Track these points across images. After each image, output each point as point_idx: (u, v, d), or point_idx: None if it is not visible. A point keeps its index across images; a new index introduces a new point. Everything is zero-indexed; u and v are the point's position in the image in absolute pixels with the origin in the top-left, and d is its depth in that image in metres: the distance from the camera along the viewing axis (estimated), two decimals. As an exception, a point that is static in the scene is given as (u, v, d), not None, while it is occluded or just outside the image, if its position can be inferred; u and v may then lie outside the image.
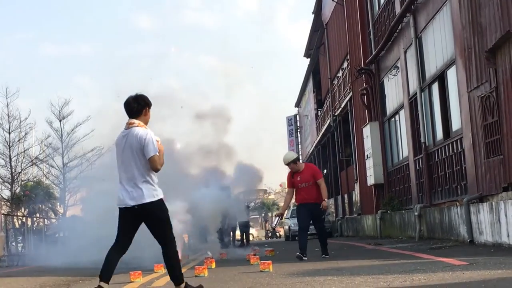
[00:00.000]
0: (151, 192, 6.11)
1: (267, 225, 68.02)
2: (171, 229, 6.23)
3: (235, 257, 13.35)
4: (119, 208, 6.20)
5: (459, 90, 12.20)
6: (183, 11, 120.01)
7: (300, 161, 12.45)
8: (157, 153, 6.09)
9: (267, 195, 67.60)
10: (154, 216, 6.16)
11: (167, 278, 9.46)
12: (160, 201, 6.17)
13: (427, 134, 14.98)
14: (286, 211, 12.01)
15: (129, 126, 6.21)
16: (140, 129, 6.14)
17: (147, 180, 6.11)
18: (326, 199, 11.29)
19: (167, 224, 6.20)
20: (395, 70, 17.66)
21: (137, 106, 6.23)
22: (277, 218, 11.71)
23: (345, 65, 27.04)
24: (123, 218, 6.20)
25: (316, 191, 11.18)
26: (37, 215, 30.21)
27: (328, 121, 31.57)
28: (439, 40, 13.72)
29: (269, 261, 8.98)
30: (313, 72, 39.85)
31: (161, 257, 6.30)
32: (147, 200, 6.06)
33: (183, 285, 6.19)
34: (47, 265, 15.23)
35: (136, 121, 6.21)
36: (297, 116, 53.02)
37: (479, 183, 11.23)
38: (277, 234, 49.10)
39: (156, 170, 6.14)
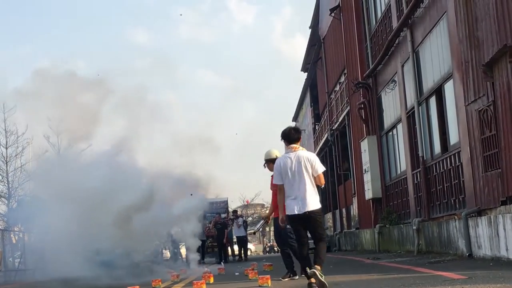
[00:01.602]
0: (316, 202, 7.76)
1: (264, 239, 67.87)
2: (324, 230, 7.98)
3: (233, 272, 13.29)
4: (289, 216, 7.83)
5: (456, 104, 12.22)
6: (180, 25, 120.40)
7: None
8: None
9: (265, 209, 67.43)
10: (315, 220, 7.77)
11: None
12: (320, 209, 7.88)
13: (425, 148, 14.98)
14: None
15: (294, 150, 7.91)
16: (306, 152, 8.01)
17: (313, 192, 7.75)
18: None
19: (322, 226, 8.00)
20: (393, 84, 17.70)
21: (297, 135, 8.12)
22: (262, 221, 11.02)
23: (342, 79, 27.08)
24: (294, 224, 7.93)
25: (275, 201, 9.82)
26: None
27: (326, 135, 31.57)
28: (436, 54, 13.76)
29: (268, 276, 8.93)
30: (311, 86, 39.89)
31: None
32: (312, 208, 7.67)
33: (318, 268, 7.29)
34: (44, 281, 15.13)
35: (298, 146, 7.99)
36: (295, 130, 53.02)
37: (477, 197, 11.21)
38: (275, 249, 48.96)
39: (322, 184, 7.95)
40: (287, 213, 7.90)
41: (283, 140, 8.19)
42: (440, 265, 10.18)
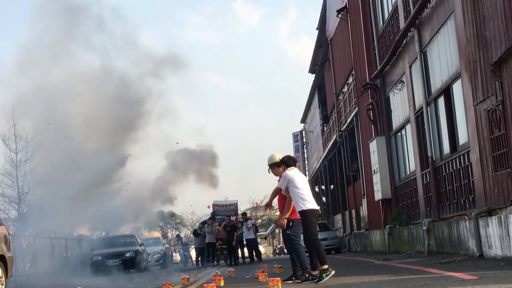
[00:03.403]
0: None
1: (274, 241, 67.81)
2: None
3: (244, 275, 13.29)
4: (315, 210, 9.66)
5: (465, 103, 12.19)
6: (185, 28, 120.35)
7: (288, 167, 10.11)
8: None
9: (274, 211, 67.36)
10: None
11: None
12: None
13: (434, 148, 14.95)
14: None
15: (297, 169, 10.16)
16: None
17: None
18: (285, 217, 9.85)
19: None
20: (401, 85, 17.67)
21: (294, 162, 10.27)
22: (273, 225, 11.52)
23: (350, 80, 27.07)
24: (315, 220, 9.70)
25: (281, 205, 10.05)
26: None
27: (334, 136, 31.55)
28: (444, 54, 13.73)
29: (278, 278, 8.92)
30: (318, 88, 39.88)
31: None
32: None
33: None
34: (54, 285, 15.19)
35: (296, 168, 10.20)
36: (303, 132, 53.01)
37: (487, 197, 11.18)
38: (285, 250, 48.97)
39: None
40: (315, 208, 9.60)
41: (283, 165, 10.04)
42: (451, 266, 10.16)
